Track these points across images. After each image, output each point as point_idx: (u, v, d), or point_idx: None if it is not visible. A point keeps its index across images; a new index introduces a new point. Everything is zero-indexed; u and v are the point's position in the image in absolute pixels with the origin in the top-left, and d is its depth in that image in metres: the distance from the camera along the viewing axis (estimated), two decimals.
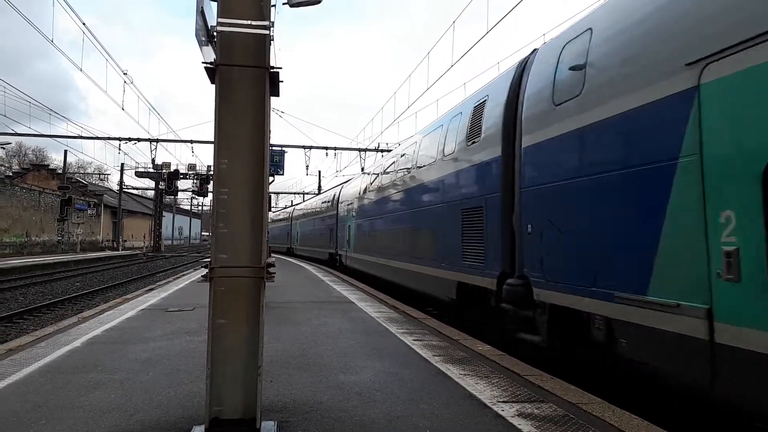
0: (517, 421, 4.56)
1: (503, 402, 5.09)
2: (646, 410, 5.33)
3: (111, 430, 4.25)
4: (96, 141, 43.07)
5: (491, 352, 7.34)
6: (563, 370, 6.66)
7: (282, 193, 78.34)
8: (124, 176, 56.92)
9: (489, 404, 5.01)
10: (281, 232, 53.83)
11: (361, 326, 9.31)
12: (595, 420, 4.63)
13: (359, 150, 42.03)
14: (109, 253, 49.63)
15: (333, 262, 27.13)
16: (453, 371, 6.24)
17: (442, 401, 5.09)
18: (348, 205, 23.48)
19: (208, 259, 3.93)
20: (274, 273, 17.30)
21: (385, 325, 9.47)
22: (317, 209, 34.12)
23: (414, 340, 8.10)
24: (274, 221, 58.74)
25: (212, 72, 3.92)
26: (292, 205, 55.70)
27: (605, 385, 6.19)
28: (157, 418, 4.52)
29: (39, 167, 64.59)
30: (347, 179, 30.59)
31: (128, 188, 63.81)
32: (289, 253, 45.35)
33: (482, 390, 5.47)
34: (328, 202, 30.13)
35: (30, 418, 4.48)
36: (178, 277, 20.47)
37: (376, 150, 40.42)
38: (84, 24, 19.85)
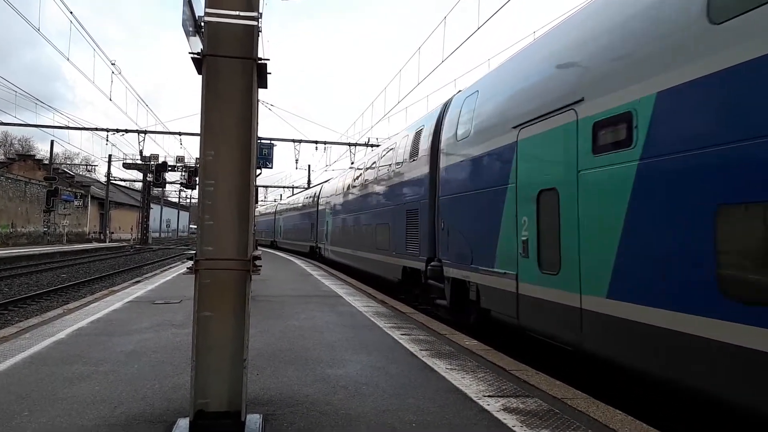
0: (502, 416, 4.58)
1: (489, 396, 5.11)
2: (631, 406, 5.38)
3: (95, 422, 4.22)
4: (83, 132, 42.76)
5: (478, 346, 7.37)
6: (549, 366, 6.70)
7: (271, 186, 78.04)
8: (112, 168, 56.43)
9: (475, 398, 5.03)
10: (299, 222, 36.52)
11: (348, 320, 9.31)
12: (580, 415, 4.66)
13: (349, 144, 41.96)
14: (95, 244, 49.23)
15: (408, 292, 12.93)
16: (440, 365, 6.26)
17: (428, 395, 5.11)
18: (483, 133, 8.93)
19: (194, 251, 3.91)
20: (260, 266, 17.12)
21: (372, 319, 9.48)
22: (365, 182, 18.22)
23: (401, 334, 8.11)
24: (288, 209, 42.87)
25: (199, 63, 3.88)
26: (320, 183, 36.56)
27: (591, 381, 6.24)
28: (141, 411, 4.50)
29: (25, 157, 63.81)
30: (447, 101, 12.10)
31: (116, 180, 63.23)
32: (313, 254, 30.32)
33: (468, 384, 5.49)
34: (392, 154, 15.02)
35: (13, 410, 4.44)
36: (166, 270, 20.35)
37: (366, 144, 40.34)
38: (71, 13, 19.59)
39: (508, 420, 4.48)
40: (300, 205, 37.17)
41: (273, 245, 47.64)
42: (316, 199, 30.38)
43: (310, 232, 31.78)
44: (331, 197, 25.38)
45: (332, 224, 24.63)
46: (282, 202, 50.85)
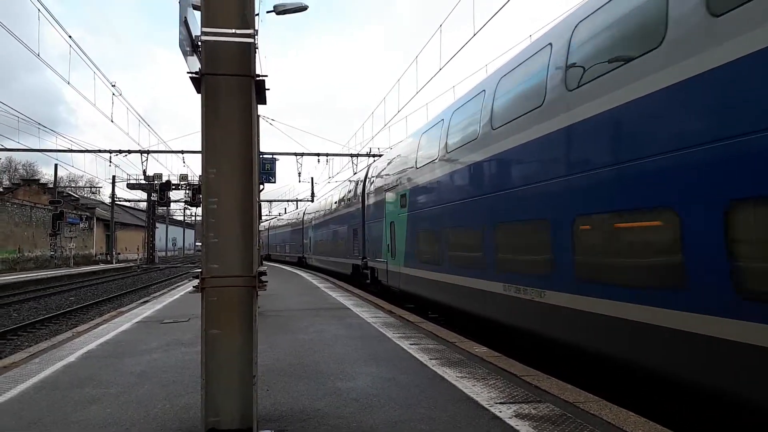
0: (514, 422, 4.55)
1: (500, 403, 5.08)
2: (644, 407, 5.34)
3: None
4: (86, 154, 42.91)
5: (488, 353, 7.33)
6: (560, 370, 6.66)
7: (275, 201, 78.17)
8: (116, 188, 56.68)
9: (486, 406, 5.00)
10: (336, 230, 24.65)
11: (357, 332, 9.29)
12: (592, 418, 4.63)
13: (351, 155, 42.03)
14: (102, 266, 49.32)
15: None
16: (450, 374, 6.23)
17: (439, 405, 5.08)
18: None
19: (200, 270, 3.91)
20: (267, 282, 16.86)
21: (381, 330, 9.45)
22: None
23: (410, 344, 8.08)
24: (319, 215, 30.04)
25: (198, 82, 3.91)
26: (361, 170, 24.18)
27: (602, 384, 6.20)
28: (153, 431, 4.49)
29: (29, 182, 64.20)
30: None
31: (120, 200, 63.46)
32: (357, 276, 19.69)
33: (479, 392, 5.46)
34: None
35: None
36: (173, 289, 20.38)
37: (368, 155, 40.40)
38: (70, 37, 19.76)
39: (521, 426, 4.45)
40: (333, 205, 25.41)
41: (301, 263, 36.92)
42: (359, 189, 19.33)
43: (351, 242, 19.89)
44: (400, 176, 14.42)
45: (411, 224, 13.41)
46: (311, 206, 36.94)
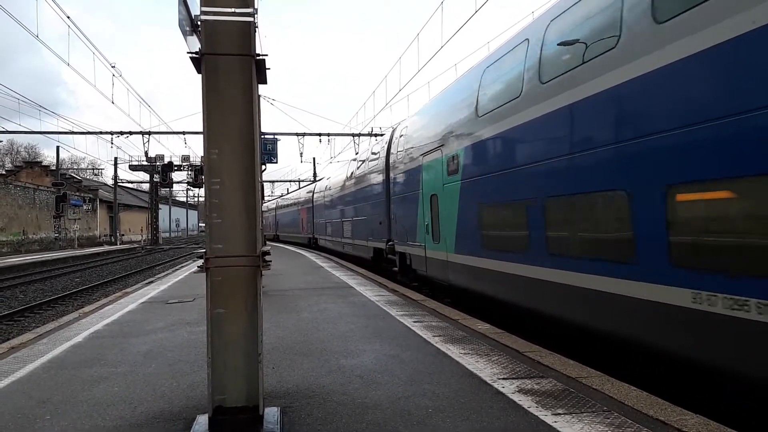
0: (517, 397, 4.61)
1: (503, 379, 5.14)
2: (645, 381, 5.39)
3: (116, 422, 4.29)
4: (88, 136, 42.88)
5: (490, 330, 7.39)
6: (563, 346, 6.72)
7: (277, 181, 78.10)
8: (118, 170, 56.69)
9: (489, 381, 5.06)
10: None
11: (361, 310, 9.36)
12: (595, 393, 4.68)
13: (353, 135, 41.81)
14: (107, 247, 49.58)
15: None
16: (453, 351, 6.29)
17: (442, 381, 5.14)
18: None
19: (204, 250, 3.94)
20: (270, 261, 16.62)
21: (384, 308, 9.52)
22: None
23: (414, 321, 8.15)
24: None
25: (198, 62, 3.88)
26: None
27: (604, 359, 6.25)
28: (161, 409, 4.56)
29: (32, 164, 64.21)
30: None
31: (123, 182, 63.58)
32: None
33: (482, 368, 5.52)
34: None
35: (35, 414, 4.51)
36: (177, 269, 20.50)
37: (370, 134, 40.19)
38: (68, 17, 19.60)
39: (524, 401, 4.51)
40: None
41: (378, 264, 17.85)
42: None
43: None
44: None
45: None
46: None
